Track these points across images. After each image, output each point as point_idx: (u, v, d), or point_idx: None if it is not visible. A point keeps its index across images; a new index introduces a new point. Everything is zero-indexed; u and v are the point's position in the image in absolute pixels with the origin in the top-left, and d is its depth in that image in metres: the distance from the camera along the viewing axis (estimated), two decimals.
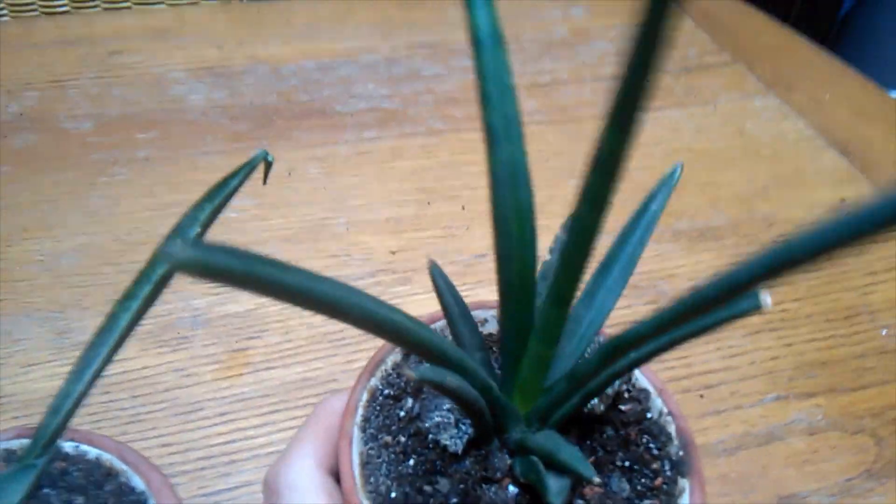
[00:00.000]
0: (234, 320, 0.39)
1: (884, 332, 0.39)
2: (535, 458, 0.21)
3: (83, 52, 0.58)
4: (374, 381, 0.24)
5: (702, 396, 0.36)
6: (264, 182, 0.22)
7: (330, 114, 0.54)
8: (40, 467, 0.17)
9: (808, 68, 0.61)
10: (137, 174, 0.48)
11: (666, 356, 0.27)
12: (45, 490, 0.21)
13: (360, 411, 0.23)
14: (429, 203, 0.47)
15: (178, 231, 0.20)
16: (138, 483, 0.22)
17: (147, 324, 0.38)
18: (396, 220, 0.46)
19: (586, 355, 0.24)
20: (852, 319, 0.40)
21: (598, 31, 0.64)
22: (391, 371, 0.25)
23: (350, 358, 0.37)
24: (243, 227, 0.45)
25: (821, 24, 1.83)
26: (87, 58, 0.58)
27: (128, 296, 0.20)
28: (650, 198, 0.24)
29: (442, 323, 0.26)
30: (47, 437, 0.19)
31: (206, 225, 0.21)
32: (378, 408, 0.24)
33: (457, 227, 0.45)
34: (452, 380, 0.19)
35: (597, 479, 0.22)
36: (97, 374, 0.19)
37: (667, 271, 0.42)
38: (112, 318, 0.20)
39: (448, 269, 0.43)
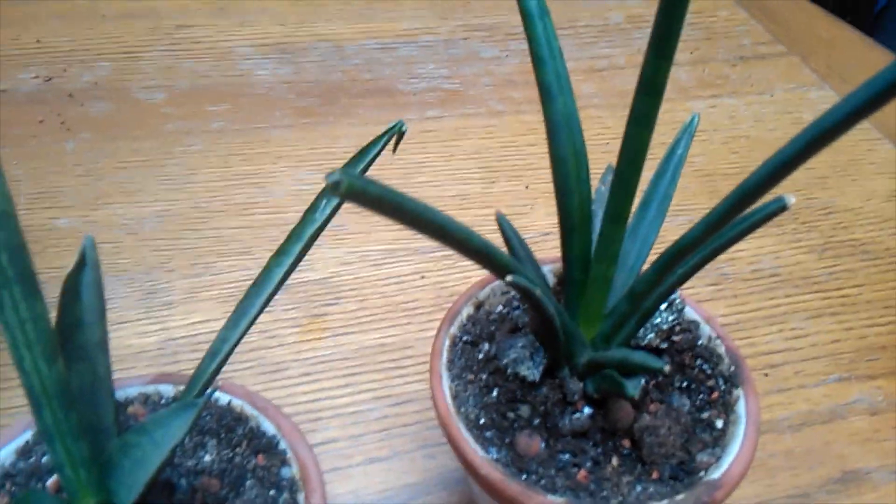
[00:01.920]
0: (313, 287, 0.40)
1: None
2: (608, 371, 0.23)
3: (150, 25, 0.60)
4: (454, 330, 0.27)
5: (766, 375, 0.37)
6: (394, 151, 0.24)
7: (393, 92, 0.55)
8: (201, 405, 0.19)
9: (861, 61, 0.61)
10: (211, 145, 0.49)
11: (731, 335, 0.29)
12: None
13: (445, 354, 0.26)
14: (493, 182, 0.48)
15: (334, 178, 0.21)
16: (269, 427, 0.23)
17: (230, 288, 0.40)
18: (462, 197, 0.47)
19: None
20: None
21: (652, 17, 0.65)
22: (466, 321, 0.27)
23: (423, 327, 0.39)
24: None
25: (856, 17, 1.80)
26: (155, 31, 0.59)
27: (291, 239, 0.21)
28: (675, 144, 0.26)
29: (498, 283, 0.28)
30: (206, 378, 0.20)
31: (367, 167, 0.22)
32: (459, 352, 0.26)
33: (521, 206, 0.46)
34: (538, 291, 0.21)
35: (667, 368, 0.24)
36: (252, 322, 0.21)
37: (728, 255, 0.43)
38: (271, 265, 0.21)
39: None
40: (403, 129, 0.23)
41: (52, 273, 0.40)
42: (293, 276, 0.41)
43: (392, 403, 0.35)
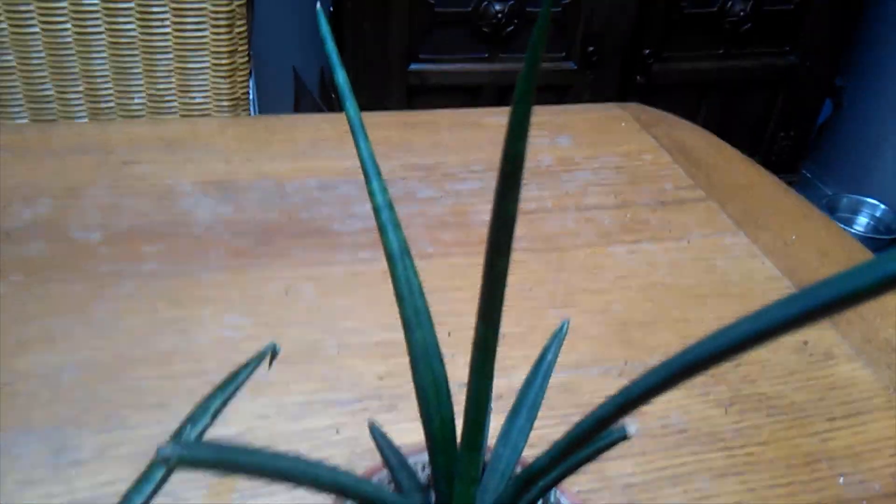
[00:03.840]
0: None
1: (841, 481, 0.41)
2: None
3: (98, 160, 0.62)
4: None
5: None
6: (269, 368, 0.25)
7: (327, 233, 0.57)
8: None
9: (775, 207, 0.66)
10: (141, 288, 0.50)
11: (637, 495, 0.30)
12: None
13: None
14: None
15: (189, 421, 0.22)
16: None
17: (142, 444, 0.40)
18: (385, 344, 0.48)
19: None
20: (812, 466, 0.42)
21: (582, 160, 0.69)
22: None
23: None
24: (238, 346, 0.47)
25: (799, 131, 1.92)
26: (101, 167, 0.61)
27: (128, 494, 0.21)
28: (545, 350, 0.28)
29: (384, 473, 0.29)
30: None
31: (216, 414, 0.23)
32: None
33: (446, 354, 0.47)
34: None
35: None
36: None
37: (640, 409, 0.45)
38: None
39: None
40: (277, 350, 0.24)
41: None
42: (208, 431, 0.41)
43: None
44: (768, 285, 0.56)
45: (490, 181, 0.65)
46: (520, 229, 0.60)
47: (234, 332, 0.48)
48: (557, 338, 0.28)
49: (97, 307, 0.48)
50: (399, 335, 0.51)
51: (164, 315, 0.48)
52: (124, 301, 0.49)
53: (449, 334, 0.49)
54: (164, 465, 0.16)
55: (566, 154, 0.70)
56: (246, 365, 0.23)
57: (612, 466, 0.42)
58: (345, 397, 0.44)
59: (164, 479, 0.21)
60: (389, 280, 0.49)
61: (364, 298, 0.51)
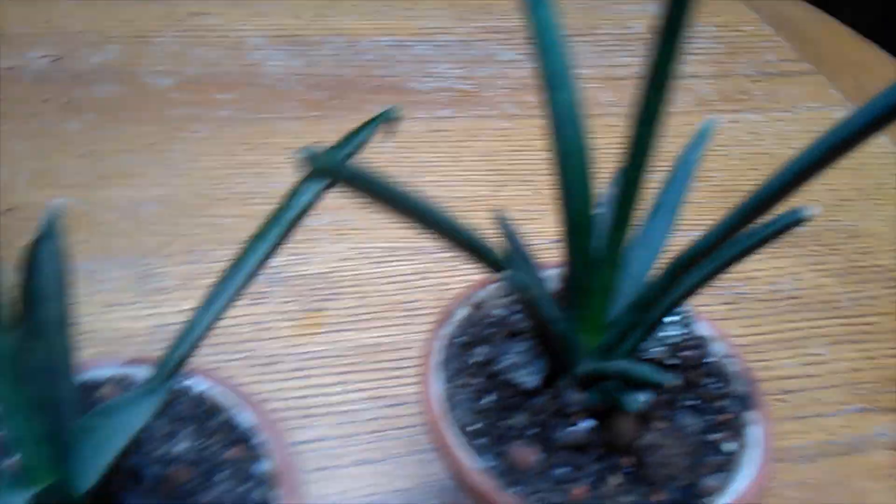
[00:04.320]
0: (310, 280, 0.39)
1: None
2: (608, 383, 0.21)
3: (165, 10, 0.59)
4: (449, 330, 0.25)
5: (781, 401, 0.35)
6: (387, 138, 0.22)
7: (404, 90, 0.54)
8: (165, 392, 0.18)
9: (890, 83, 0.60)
10: (216, 132, 0.48)
11: (745, 357, 0.27)
12: (153, 420, 0.21)
13: (438, 355, 0.24)
14: (503, 185, 0.46)
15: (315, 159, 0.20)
16: (246, 419, 0.22)
17: None
18: (471, 199, 0.45)
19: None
20: None
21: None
22: (462, 322, 0.26)
23: (424, 329, 0.37)
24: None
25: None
26: (167, 17, 0.58)
27: (269, 223, 0.19)
28: (689, 148, 0.25)
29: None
30: (174, 362, 0.19)
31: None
32: (453, 354, 0.25)
33: (531, 211, 0.45)
34: (534, 291, 0.20)
35: (672, 383, 0.23)
36: (228, 305, 0.19)
37: (745, 274, 0.42)
38: (247, 249, 0.20)
39: None
40: (396, 115, 0.21)
41: None
42: (290, 269, 0.40)
43: (387, 405, 0.33)
44: (884, 159, 0.51)
45: (575, 45, 0.60)
46: (610, 94, 0.55)
47: None
48: (703, 135, 0.25)
49: (173, 148, 0.46)
50: (484, 191, 0.48)
51: (241, 159, 0.46)
52: (200, 144, 0.47)
53: (538, 192, 0.46)
54: (306, 170, 0.14)
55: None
56: (368, 123, 0.21)
57: (716, 325, 0.39)
58: (430, 245, 0.42)
59: (316, 196, 0.19)
60: (472, 139, 0.46)
61: (446, 155, 0.49)
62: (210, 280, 0.38)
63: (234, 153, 0.47)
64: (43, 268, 0.18)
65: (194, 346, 0.19)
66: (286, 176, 0.45)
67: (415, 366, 0.35)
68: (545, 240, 0.43)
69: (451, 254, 0.41)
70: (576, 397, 0.22)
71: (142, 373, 0.23)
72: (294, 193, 0.20)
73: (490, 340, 0.25)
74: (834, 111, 0.56)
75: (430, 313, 0.38)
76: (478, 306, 0.26)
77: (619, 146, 0.54)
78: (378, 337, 0.36)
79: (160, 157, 0.46)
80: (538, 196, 0.46)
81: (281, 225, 0.19)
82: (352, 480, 0.30)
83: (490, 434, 0.22)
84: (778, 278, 0.42)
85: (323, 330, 0.36)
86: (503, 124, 0.51)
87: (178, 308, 0.37)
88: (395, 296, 0.39)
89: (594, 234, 0.22)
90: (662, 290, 0.21)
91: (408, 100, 0.53)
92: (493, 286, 0.27)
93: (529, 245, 0.25)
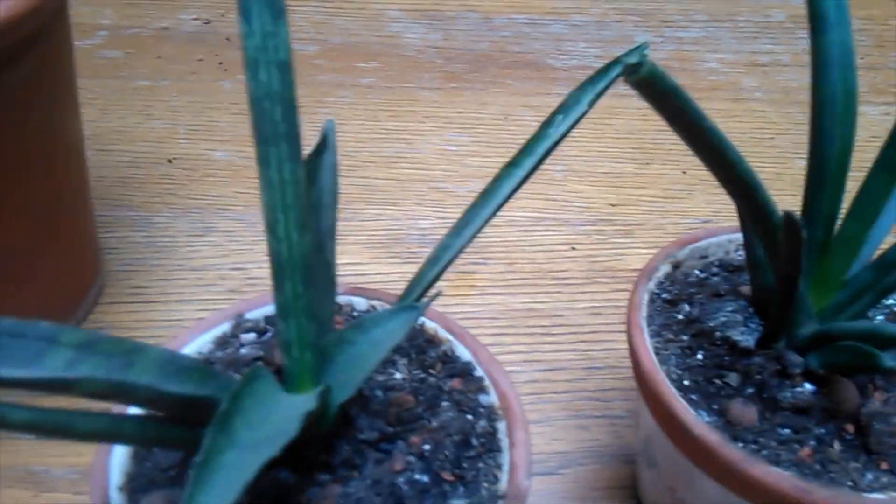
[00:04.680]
0: None
1: None
2: (848, 343, 0.20)
3: None
4: (651, 286, 0.25)
5: None
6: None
7: (542, 67, 0.54)
8: (421, 309, 0.18)
9: None
10: (361, 99, 0.49)
11: None
12: None
13: (644, 309, 0.24)
14: (647, 164, 0.46)
15: (560, 112, 0.20)
16: (464, 353, 0.22)
17: (378, 234, 0.39)
18: (614, 175, 0.45)
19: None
20: None
21: None
22: (663, 279, 0.25)
23: (574, 297, 0.37)
24: (462, 160, 0.45)
25: None
26: None
27: (524, 152, 0.19)
28: None
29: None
30: (426, 282, 0.19)
31: (593, 102, 0.21)
32: (657, 309, 0.24)
33: (678, 191, 0.44)
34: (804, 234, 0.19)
35: None
36: (476, 232, 0.20)
37: None
38: (501, 176, 0.20)
39: (671, 231, 0.41)
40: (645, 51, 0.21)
41: (208, 200, 0.41)
42: (439, 231, 0.40)
43: (542, 369, 0.33)
44: None
45: (713, 31, 0.59)
46: (753, 80, 0.54)
47: (456, 147, 0.46)
48: None
49: (320, 111, 0.48)
50: (628, 168, 0.47)
51: (386, 125, 0.47)
52: (345, 109, 0.48)
53: (684, 172, 0.45)
54: (630, 76, 0.14)
55: (800, 12, 0.62)
56: (616, 61, 0.20)
57: None
58: (577, 218, 0.41)
59: (571, 127, 0.19)
60: (613, 116, 0.44)
61: (587, 130, 0.48)
62: (362, 237, 0.39)
63: (378, 119, 0.47)
64: (321, 179, 0.19)
65: (445, 269, 0.19)
66: (429, 143, 0.46)
67: (568, 333, 0.35)
68: (695, 219, 0.42)
69: (598, 227, 0.41)
70: (797, 359, 0.21)
71: (359, 302, 0.23)
72: (549, 123, 0.20)
73: (693, 299, 0.24)
74: None
75: (580, 283, 0.38)
76: (677, 265, 0.26)
77: (767, 132, 0.51)
78: (529, 303, 0.36)
79: (308, 119, 0.46)
80: (685, 176, 0.44)
81: (534, 155, 0.19)
82: None
83: (703, 391, 0.22)
84: None
85: (474, 292, 0.37)
86: (644, 103, 0.50)
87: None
88: (543, 264, 0.38)
89: (844, 185, 0.22)
90: None
91: (546, 76, 0.52)
92: (694, 246, 0.26)
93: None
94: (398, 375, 0.21)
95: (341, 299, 0.23)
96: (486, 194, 0.20)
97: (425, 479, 0.18)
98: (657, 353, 0.23)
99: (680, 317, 0.24)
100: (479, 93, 0.51)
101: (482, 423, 0.20)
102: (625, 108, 0.50)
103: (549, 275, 0.38)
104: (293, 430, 0.13)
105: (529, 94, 0.51)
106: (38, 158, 0.28)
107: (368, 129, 0.47)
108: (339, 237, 0.39)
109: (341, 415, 0.19)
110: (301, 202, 0.16)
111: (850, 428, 0.21)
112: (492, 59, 0.54)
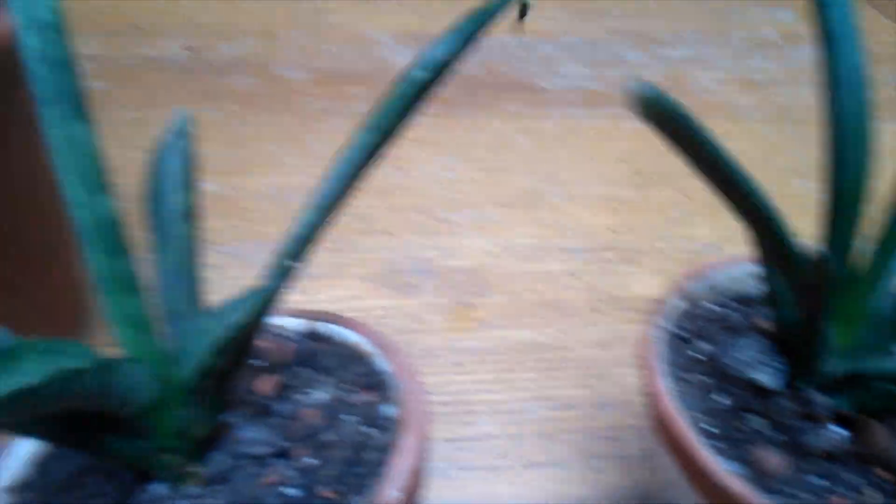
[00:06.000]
0: (458, 275, 0.38)
1: None
2: (883, 385, 0.19)
3: (293, 6, 0.60)
4: (664, 322, 0.24)
5: None
6: (519, 18, 0.21)
7: (534, 89, 0.53)
8: (270, 289, 0.17)
9: None
10: (352, 124, 0.48)
11: None
12: (300, 369, 0.21)
13: (658, 347, 0.23)
14: (646, 187, 0.45)
15: None
16: (384, 365, 0.21)
17: (376, 267, 0.38)
18: (612, 198, 0.44)
19: None
20: None
21: (809, 35, 0.61)
22: (677, 316, 0.24)
23: (578, 329, 0.36)
24: (457, 187, 0.44)
25: None
26: (296, 13, 0.59)
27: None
28: None
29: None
30: (280, 269, 0.18)
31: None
32: (672, 347, 0.23)
33: (679, 215, 0.43)
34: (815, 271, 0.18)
35: None
36: (329, 210, 0.19)
37: None
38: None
39: (675, 257, 0.40)
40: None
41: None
42: (439, 262, 0.39)
43: (552, 406, 0.32)
44: None
45: (704, 49, 0.58)
46: (749, 98, 0.53)
47: (451, 173, 0.45)
48: None
49: (310, 138, 0.47)
50: (627, 193, 0.47)
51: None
52: (336, 135, 0.47)
53: (687, 196, 0.44)
54: (635, 106, 0.13)
55: (790, 29, 0.62)
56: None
57: None
58: (577, 244, 0.40)
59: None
60: (608, 139, 0.43)
61: (583, 153, 0.47)
62: (358, 270, 0.38)
63: None
64: (165, 163, 0.18)
65: (304, 248, 0.19)
66: (423, 170, 0.45)
67: (577, 367, 0.34)
68: (701, 243, 0.42)
69: (597, 254, 0.40)
70: (826, 401, 0.20)
71: (293, 323, 0.23)
72: (403, 78, 0.18)
73: (709, 336, 0.24)
74: None
75: (584, 314, 0.37)
76: (691, 300, 0.25)
77: (765, 153, 0.51)
78: (533, 336, 0.35)
79: (299, 147, 0.46)
80: (686, 199, 0.44)
81: (385, 113, 0.18)
82: (524, 484, 0.29)
83: (727, 436, 0.21)
84: None
85: (476, 325, 0.35)
86: (639, 125, 0.50)
87: (330, 294, 0.36)
88: (546, 294, 0.37)
89: (862, 211, 0.21)
90: None
91: (539, 98, 0.52)
92: (707, 280, 0.25)
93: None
94: (318, 395, 0.20)
95: (281, 321, 0.22)
96: (337, 163, 0.19)
97: (297, 493, 0.17)
98: (674, 395, 0.22)
99: (696, 355, 0.23)
100: (473, 118, 0.50)
101: (377, 434, 0.19)
102: (619, 129, 0.49)
103: (553, 305, 0.37)
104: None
105: (523, 118, 0.50)
106: (24, 192, 0.27)
107: None
108: (335, 270, 0.38)
109: (220, 424, 0.18)
110: (93, 163, 0.16)
111: (884, 474, 0.20)
112: (483, 82, 0.53)
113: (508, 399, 0.32)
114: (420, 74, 0.17)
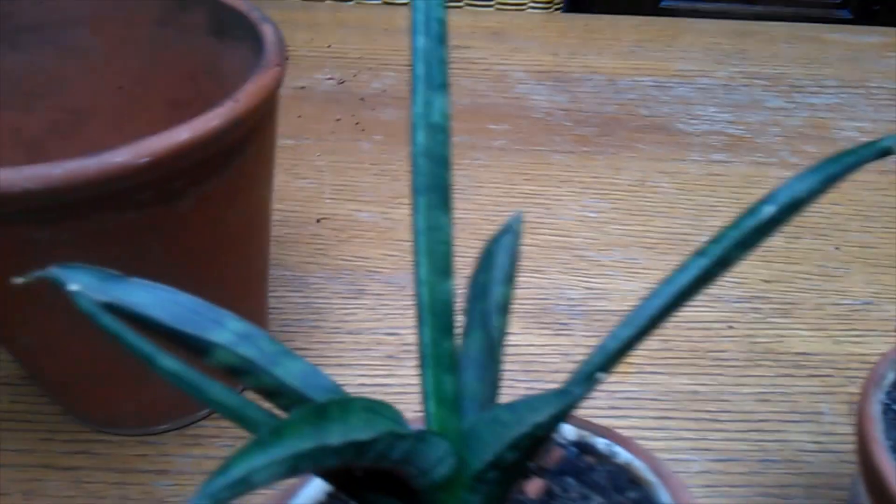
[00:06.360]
0: (609, 317, 0.38)
1: None
2: None
3: None
4: (881, 396, 0.23)
5: None
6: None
7: (673, 131, 0.53)
8: (575, 396, 0.17)
9: None
10: (495, 161, 0.49)
11: None
12: (568, 479, 0.21)
13: (878, 421, 0.22)
14: (796, 237, 0.44)
15: None
16: (665, 498, 0.21)
17: (527, 305, 0.39)
18: (764, 248, 0.43)
19: None
20: None
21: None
22: (892, 388, 0.24)
23: (737, 381, 0.35)
24: (602, 227, 0.44)
25: None
26: None
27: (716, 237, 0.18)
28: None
29: None
30: (587, 371, 0.19)
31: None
32: (890, 422, 0.23)
33: (832, 268, 0.42)
34: None
35: None
36: (650, 326, 0.19)
37: None
38: (686, 262, 0.19)
39: (831, 311, 0.39)
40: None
41: (358, 262, 0.41)
42: (587, 303, 0.39)
43: (713, 458, 0.32)
44: None
45: (848, 97, 0.57)
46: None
47: (595, 213, 0.45)
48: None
49: (456, 173, 0.48)
50: (777, 241, 0.46)
51: (522, 188, 0.47)
52: (481, 171, 0.48)
53: (837, 248, 0.43)
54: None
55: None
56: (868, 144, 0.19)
57: None
58: (730, 294, 0.40)
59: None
60: (753, 185, 0.43)
61: (728, 199, 0.47)
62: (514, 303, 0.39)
63: (514, 182, 0.47)
64: (496, 258, 0.19)
65: (613, 362, 0.19)
66: (568, 208, 0.46)
67: (736, 420, 0.34)
68: (854, 300, 0.40)
69: (754, 305, 0.40)
70: None
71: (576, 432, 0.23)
72: (750, 214, 0.18)
73: None
74: None
75: (742, 366, 0.36)
76: None
77: None
78: (690, 384, 0.35)
79: None
80: (838, 252, 0.43)
81: (724, 243, 0.18)
82: None
83: None
84: None
85: (632, 370, 0.36)
86: (784, 173, 0.49)
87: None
88: (700, 343, 0.37)
89: None
90: None
91: (678, 141, 0.52)
92: None
93: None
94: None
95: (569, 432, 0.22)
96: (665, 283, 0.19)
97: None
98: None
99: None
100: (612, 157, 0.50)
101: None
102: (764, 177, 0.49)
103: (709, 355, 0.37)
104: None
105: (664, 160, 0.50)
106: (243, 228, 0.29)
107: (505, 193, 0.47)
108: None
109: None
110: (445, 249, 0.17)
111: None
112: (620, 122, 0.54)
113: (668, 447, 0.32)
114: (769, 210, 0.17)
